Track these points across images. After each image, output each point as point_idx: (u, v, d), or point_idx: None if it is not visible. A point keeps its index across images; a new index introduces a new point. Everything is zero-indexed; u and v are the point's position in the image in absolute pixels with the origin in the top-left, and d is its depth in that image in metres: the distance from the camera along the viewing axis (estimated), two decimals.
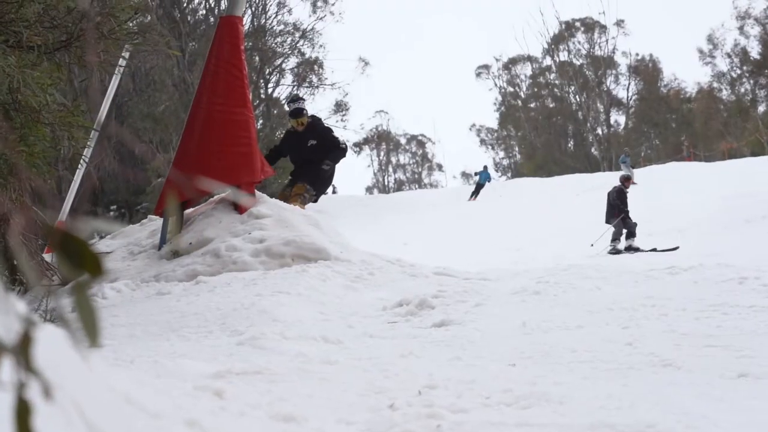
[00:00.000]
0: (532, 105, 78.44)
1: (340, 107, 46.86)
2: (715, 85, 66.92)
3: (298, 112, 10.61)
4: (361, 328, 5.16)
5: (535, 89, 77.04)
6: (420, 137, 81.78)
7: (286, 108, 11.49)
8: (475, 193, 36.87)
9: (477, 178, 38.61)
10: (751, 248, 14.99)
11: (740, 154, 55.79)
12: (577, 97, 75.41)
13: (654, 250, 17.94)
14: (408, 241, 23.06)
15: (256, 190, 8.69)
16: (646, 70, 72.86)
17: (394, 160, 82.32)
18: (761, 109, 62.96)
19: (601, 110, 74.66)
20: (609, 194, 20.26)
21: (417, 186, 77.67)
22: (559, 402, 2.90)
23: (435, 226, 29.54)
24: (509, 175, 73.83)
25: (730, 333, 4.65)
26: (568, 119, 75.31)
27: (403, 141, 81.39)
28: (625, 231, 19.49)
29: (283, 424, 2.30)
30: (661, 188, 31.56)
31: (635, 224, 19.41)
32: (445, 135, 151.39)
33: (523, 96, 78.29)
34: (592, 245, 19.57)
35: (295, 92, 11.94)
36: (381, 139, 78.90)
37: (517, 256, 17.60)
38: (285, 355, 3.94)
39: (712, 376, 3.53)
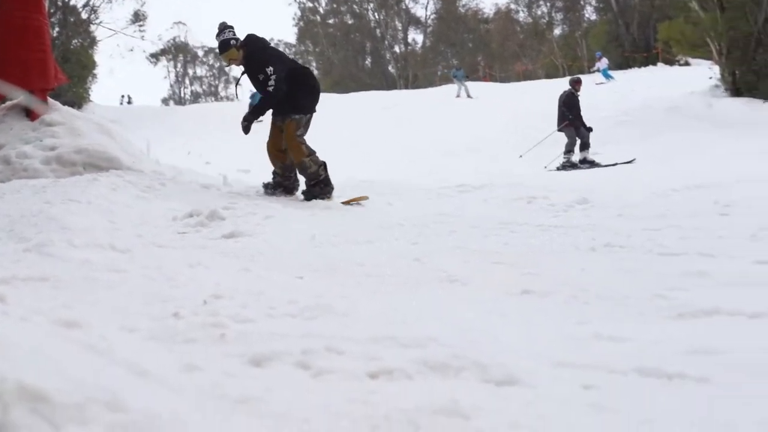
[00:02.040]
0: (331, 21, 79.75)
1: (138, 17, 46.37)
2: (513, 6, 69.78)
3: (223, 47, 8.75)
4: (151, 237, 5.20)
5: (334, 5, 78.41)
6: (217, 50, 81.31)
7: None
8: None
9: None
10: (540, 169, 15.93)
11: (535, 75, 58.48)
12: (375, 14, 76.75)
13: (615, 164, 16.96)
14: (203, 153, 22.81)
15: (48, 98, 8.75)
16: None
17: (191, 72, 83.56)
18: (557, 32, 66.07)
19: (399, 28, 76.73)
20: (559, 98, 18.68)
21: (213, 98, 79.08)
22: (344, 314, 3.04)
23: (229, 139, 29.39)
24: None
25: (517, 250, 4.98)
26: (366, 36, 76.46)
27: (200, 53, 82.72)
28: (579, 141, 18.23)
29: (65, 329, 2.27)
30: (457, 108, 32.64)
31: (589, 132, 18.25)
32: None
33: (321, 11, 79.45)
34: (521, 156, 18.97)
35: (222, 21, 10.55)
36: (178, 51, 79.64)
37: None
38: (72, 262, 3.90)
39: (497, 293, 3.78)
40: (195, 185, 7.89)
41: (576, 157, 18.08)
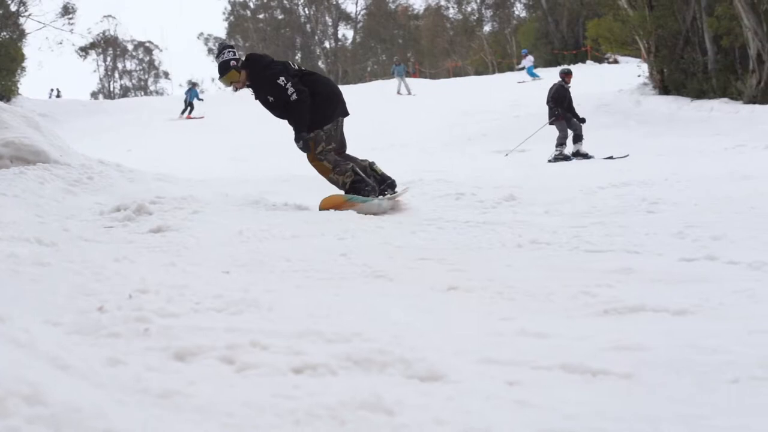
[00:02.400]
0: (261, 16, 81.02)
1: (67, 10, 46.56)
2: (443, 3, 70.51)
3: (223, 68, 7.97)
4: (77, 231, 5.19)
5: (264, 0, 79.20)
6: (147, 44, 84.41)
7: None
8: (186, 111, 36.24)
9: (186, 96, 37.88)
10: (470, 165, 16.03)
11: (465, 72, 58.99)
12: (306, 9, 77.95)
13: (611, 157, 16.64)
14: (132, 148, 22.61)
15: None
16: None
17: (120, 65, 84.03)
18: (487, 29, 66.89)
19: (330, 24, 77.60)
20: (548, 91, 18.53)
21: (143, 93, 79.51)
22: (269, 309, 3.02)
23: (160, 134, 29.43)
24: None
25: (443, 246, 5.01)
26: (296, 32, 77.10)
27: (130, 47, 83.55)
28: (571, 134, 17.97)
29: None
30: (387, 103, 32.73)
31: (581, 124, 18.02)
32: (174, 43, 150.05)
33: (252, 6, 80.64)
34: (506, 155, 18.55)
35: (222, 41, 9.66)
36: (108, 44, 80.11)
37: (243, 166, 17.59)
38: None
39: (422, 288, 3.80)
40: (123, 179, 7.82)
41: (568, 149, 17.90)
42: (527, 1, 61.53)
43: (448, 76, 54.07)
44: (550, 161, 17.39)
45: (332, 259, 4.55)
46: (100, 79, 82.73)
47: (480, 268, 4.27)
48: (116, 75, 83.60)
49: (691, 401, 2.17)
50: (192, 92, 37.50)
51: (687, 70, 21.88)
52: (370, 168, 7.97)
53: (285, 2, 79.13)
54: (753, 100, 20.43)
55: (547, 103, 18.34)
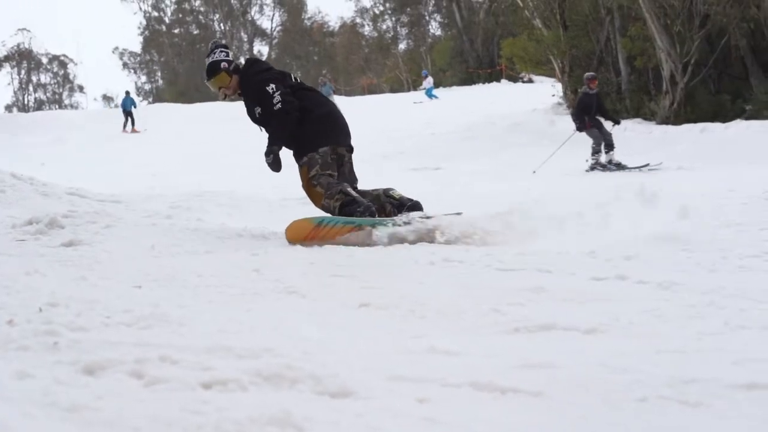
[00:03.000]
0: (177, 31, 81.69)
1: None
2: (358, 20, 71.17)
3: (211, 70, 7.10)
4: None
5: (180, 15, 79.86)
6: (62, 57, 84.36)
7: None
8: (127, 123, 36.00)
9: (122, 106, 37.48)
10: (384, 183, 16.11)
11: (380, 89, 59.38)
12: (221, 25, 78.24)
13: (646, 165, 16.40)
14: (45, 162, 22.27)
15: None
16: (291, 2, 76.31)
17: (35, 79, 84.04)
18: (402, 46, 67.57)
19: (245, 39, 78.19)
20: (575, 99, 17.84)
21: (58, 106, 78.82)
22: (180, 324, 3.04)
23: (74, 148, 29.25)
24: (150, 99, 76.86)
25: (356, 263, 5.04)
26: None
27: (45, 60, 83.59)
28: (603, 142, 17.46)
29: None
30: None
31: (615, 125, 17.63)
32: (88, 57, 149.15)
33: (167, 21, 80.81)
34: (534, 172, 17.22)
35: (215, 40, 8.40)
36: (22, 57, 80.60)
37: (156, 181, 17.43)
38: None
39: (334, 305, 3.81)
40: (35, 193, 7.74)
41: (603, 158, 17.48)
42: (442, 20, 62.30)
43: (363, 93, 54.35)
44: (587, 171, 17.19)
45: (245, 274, 4.55)
46: (14, 92, 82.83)
47: (393, 286, 4.31)
48: (30, 88, 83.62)
49: (601, 419, 2.21)
50: (127, 101, 37.14)
51: (601, 91, 22.39)
52: (384, 195, 6.91)
53: (201, 18, 79.56)
54: (666, 121, 20.99)
55: (572, 113, 18.25)
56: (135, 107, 37.41)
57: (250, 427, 1.89)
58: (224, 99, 7.16)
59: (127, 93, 38.69)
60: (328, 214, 6.46)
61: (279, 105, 6.52)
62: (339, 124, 6.88)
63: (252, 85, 6.80)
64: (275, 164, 6.61)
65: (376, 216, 6.44)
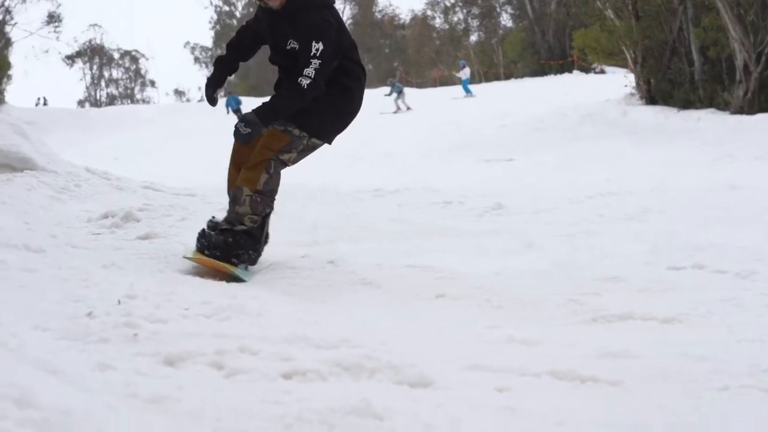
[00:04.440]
0: None
1: (53, 18, 46.88)
2: (429, 12, 70.70)
3: None
4: (65, 238, 5.18)
5: (251, 9, 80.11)
6: (134, 53, 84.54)
7: None
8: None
9: (227, 106, 35.37)
10: (457, 174, 16.06)
11: (451, 81, 59.17)
12: None
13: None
14: (118, 156, 22.63)
15: None
16: None
17: (107, 74, 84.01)
18: (473, 38, 67.09)
19: None
20: None
21: (129, 101, 79.26)
22: (258, 315, 3.04)
23: (147, 143, 29.54)
24: (222, 94, 77.35)
25: (431, 254, 5.01)
26: None
27: (116, 56, 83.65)
28: None
29: None
30: (372, 113, 32.73)
31: None
32: (160, 52, 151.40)
33: (238, 15, 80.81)
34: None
35: None
36: (94, 53, 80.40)
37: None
38: None
39: (410, 296, 3.81)
40: (110, 187, 7.83)
41: None
42: (514, 12, 61.73)
43: (435, 85, 54.18)
44: None
45: (319, 266, 4.55)
46: (87, 88, 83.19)
47: (468, 276, 4.27)
48: (102, 83, 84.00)
49: (681, 409, 2.18)
50: (231, 100, 36.05)
51: (674, 81, 21.93)
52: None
53: None
54: (740, 111, 20.50)
55: None
56: (241, 105, 35.70)
57: (331, 416, 1.88)
58: (263, 6, 4.99)
59: (230, 93, 37.25)
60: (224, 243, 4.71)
61: (310, 77, 4.81)
62: (349, 122, 5.15)
63: (308, 15, 4.90)
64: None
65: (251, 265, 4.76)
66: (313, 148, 5.03)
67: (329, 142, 5.09)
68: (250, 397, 2.03)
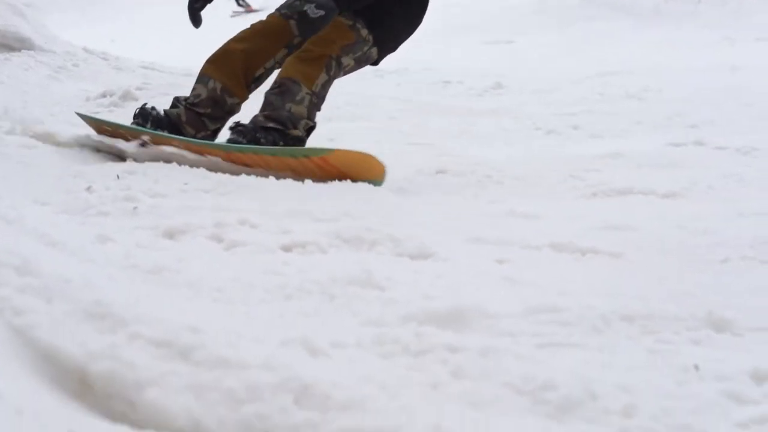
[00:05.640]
0: None
1: None
2: None
3: None
4: (64, 117, 5.06)
5: None
6: None
7: None
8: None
9: None
10: (456, 56, 15.88)
11: None
12: None
13: None
14: (116, 38, 22.41)
15: None
16: None
17: None
18: None
19: None
20: None
21: None
22: (257, 189, 3.03)
23: (145, 26, 29.23)
24: None
25: (432, 133, 4.97)
26: None
27: None
28: None
29: None
30: None
31: None
32: None
33: None
34: None
35: None
36: None
37: None
38: None
39: (409, 171, 3.73)
40: (108, 67, 7.76)
41: None
42: None
43: None
44: None
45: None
46: None
47: (468, 153, 4.24)
48: None
49: (682, 280, 2.15)
50: None
51: None
52: None
53: None
54: None
55: None
56: None
57: (331, 286, 1.85)
58: None
59: None
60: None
61: None
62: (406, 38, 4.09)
63: None
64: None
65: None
66: (365, 61, 3.97)
67: (378, 61, 4.05)
68: (250, 268, 2.00)
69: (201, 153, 3.43)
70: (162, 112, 3.86)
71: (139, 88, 6.15)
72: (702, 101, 5.86)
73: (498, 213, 2.87)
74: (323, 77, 3.70)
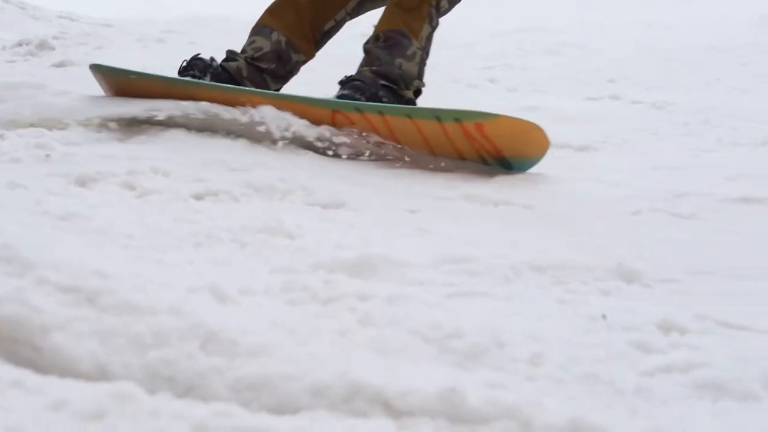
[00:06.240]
0: None
1: None
2: None
3: None
4: None
5: None
6: None
7: None
8: None
9: None
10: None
11: None
12: None
13: None
14: None
15: None
16: None
17: None
18: None
19: None
20: None
21: None
22: (172, 139, 2.94)
23: None
24: None
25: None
26: None
27: None
28: None
29: None
30: None
31: None
32: None
33: None
34: None
35: None
36: None
37: (150, 6, 17.04)
38: None
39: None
40: (25, 16, 7.67)
41: None
42: None
43: None
44: None
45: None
46: None
47: None
48: None
49: (594, 230, 2.17)
50: None
51: None
52: None
53: None
54: None
55: None
56: None
57: (242, 234, 1.85)
58: None
59: None
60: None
61: None
62: None
63: None
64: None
65: None
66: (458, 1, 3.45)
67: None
68: (161, 216, 2.00)
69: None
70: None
71: (55, 38, 6.14)
72: (620, 57, 5.92)
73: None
74: (427, 28, 3.26)
